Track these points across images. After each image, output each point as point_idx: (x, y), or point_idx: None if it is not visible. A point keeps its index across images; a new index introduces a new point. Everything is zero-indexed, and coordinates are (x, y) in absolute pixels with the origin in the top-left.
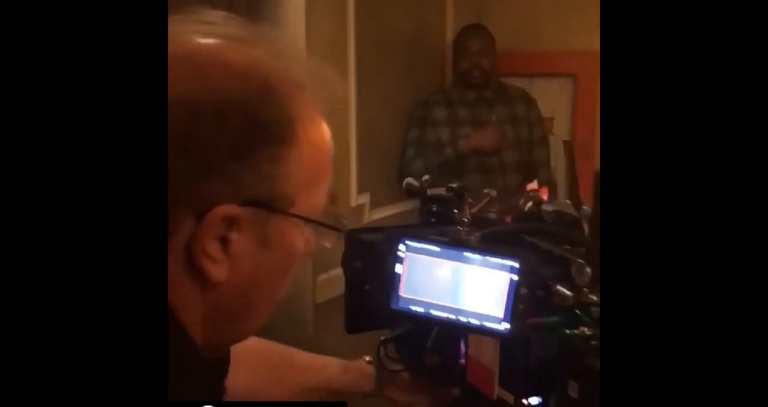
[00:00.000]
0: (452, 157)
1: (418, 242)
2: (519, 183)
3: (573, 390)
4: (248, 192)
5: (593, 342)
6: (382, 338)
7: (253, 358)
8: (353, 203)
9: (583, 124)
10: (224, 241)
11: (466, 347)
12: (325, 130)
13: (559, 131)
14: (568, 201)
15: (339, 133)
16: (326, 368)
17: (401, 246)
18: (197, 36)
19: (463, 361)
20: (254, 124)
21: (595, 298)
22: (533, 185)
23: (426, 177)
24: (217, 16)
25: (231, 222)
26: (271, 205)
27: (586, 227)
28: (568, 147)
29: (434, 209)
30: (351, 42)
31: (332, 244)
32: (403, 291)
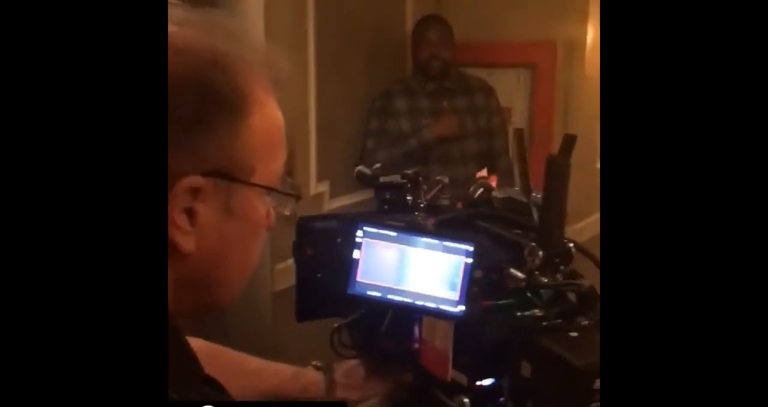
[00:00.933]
0: (414, 147)
1: (375, 227)
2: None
3: (526, 370)
4: (209, 162)
5: (544, 323)
6: (336, 325)
7: (205, 361)
8: (312, 191)
9: (541, 114)
10: (191, 213)
11: (420, 330)
12: (276, 104)
13: (517, 121)
14: (517, 189)
15: (298, 121)
16: (277, 374)
17: (359, 232)
18: None
19: (416, 345)
20: (207, 94)
21: (545, 280)
22: (483, 172)
23: (377, 165)
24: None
25: (196, 193)
26: (232, 175)
27: (535, 213)
28: (518, 135)
29: (388, 196)
30: (311, 30)
31: (291, 211)
32: (360, 276)
